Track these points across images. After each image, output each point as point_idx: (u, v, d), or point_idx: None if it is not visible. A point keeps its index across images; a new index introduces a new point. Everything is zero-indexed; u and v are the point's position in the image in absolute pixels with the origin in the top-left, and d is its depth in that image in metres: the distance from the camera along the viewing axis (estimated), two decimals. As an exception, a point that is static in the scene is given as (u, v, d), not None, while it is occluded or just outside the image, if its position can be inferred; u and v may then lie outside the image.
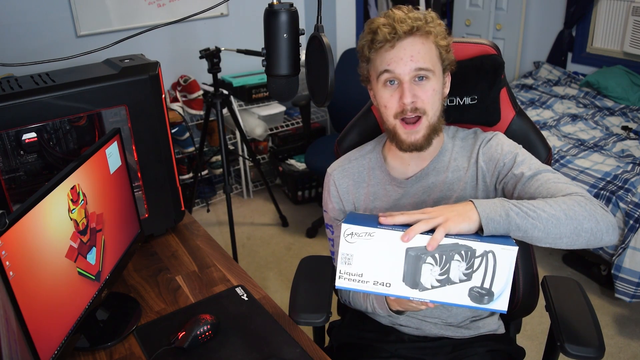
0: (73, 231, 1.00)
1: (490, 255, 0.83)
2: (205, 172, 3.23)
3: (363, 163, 1.20)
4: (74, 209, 1.01)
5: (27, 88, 1.17)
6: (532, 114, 3.00)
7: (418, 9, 1.07)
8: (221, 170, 3.17)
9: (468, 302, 0.85)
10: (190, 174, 3.11)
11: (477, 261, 0.83)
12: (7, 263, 0.80)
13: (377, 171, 1.18)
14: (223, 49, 2.45)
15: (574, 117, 2.92)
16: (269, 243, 2.90)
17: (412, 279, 0.85)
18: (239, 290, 1.24)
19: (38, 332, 0.87)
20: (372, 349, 1.20)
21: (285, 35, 0.93)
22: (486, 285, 0.84)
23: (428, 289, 0.85)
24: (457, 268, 0.84)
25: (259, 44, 1.00)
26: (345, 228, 0.85)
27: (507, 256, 0.82)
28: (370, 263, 0.86)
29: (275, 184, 3.50)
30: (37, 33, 2.65)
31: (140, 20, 2.90)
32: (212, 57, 2.41)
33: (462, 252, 0.83)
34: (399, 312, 1.08)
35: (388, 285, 0.86)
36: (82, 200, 1.04)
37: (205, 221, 3.12)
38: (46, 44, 2.68)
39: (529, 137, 1.24)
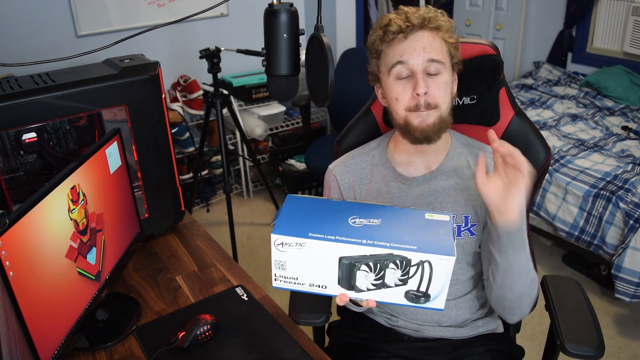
0: (73, 231, 1.00)
1: (426, 264, 0.81)
2: (205, 172, 3.23)
3: (366, 160, 1.20)
4: (74, 209, 1.01)
5: (27, 88, 1.17)
6: (532, 114, 3.00)
7: (429, 6, 1.09)
8: (221, 170, 3.16)
9: (405, 302, 0.85)
10: (190, 174, 3.11)
11: (412, 269, 0.82)
12: (7, 263, 0.80)
13: (381, 168, 1.18)
14: (223, 49, 2.45)
15: (574, 117, 2.92)
16: (269, 243, 2.88)
17: (348, 282, 0.85)
18: (239, 290, 1.24)
19: (38, 332, 0.87)
20: (371, 349, 1.20)
21: (285, 35, 0.93)
22: (422, 289, 0.84)
23: (364, 291, 0.86)
24: (393, 275, 0.83)
25: (259, 44, 1.00)
26: (275, 238, 0.84)
27: (443, 265, 0.81)
28: (304, 268, 0.85)
29: (275, 184, 3.50)
30: (37, 33, 2.65)
31: (140, 20, 2.90)
32: (212, 57, 2.42)
33: (397, 262, 0.82)
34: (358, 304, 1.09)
35: (324, 287, 0.87)
36: (82, 200, 1.04)
37: (205, 221, 3.12)
38: (46, 44, 2.68)
39: (528, 137, 1.24)
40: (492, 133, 0.92)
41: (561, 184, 2.36)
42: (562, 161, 2.45)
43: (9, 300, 0.81)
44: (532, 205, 2.44)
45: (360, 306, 1.06)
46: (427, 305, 0.85)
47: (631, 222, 2.09)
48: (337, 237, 0.82)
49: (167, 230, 1.51)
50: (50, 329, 0.93)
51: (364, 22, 3.69)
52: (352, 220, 0.87)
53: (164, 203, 1.44)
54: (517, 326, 1.39)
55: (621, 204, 2.14)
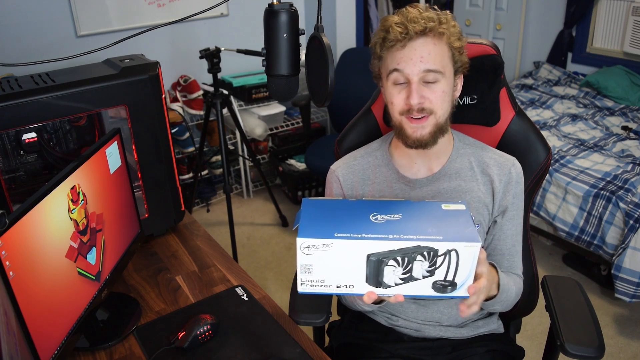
0: (73, 231, 1.00)
1: (453, 253, 0.82)
2: (205, 172, 3.23)
3: (369, 160, 1.20)
4: (74, 209, 1.01)
5: (27, 88, 1.17)
6: (532, 114, 3.00)
7: (435, 8, 1.06)
8: (221, 170, 3.17)
9: (431, 293, 0.86)
10: (190, 174, 3.11)
11: (440, 259, 0.83)
12: (7, 263, 0.80)
13: (384, 169, 1.18)
14: (223, 49, 2.45)
15: (574, 117, 2.92)
16: (269, 243, 2.90)
17: (375, 279, 0.85)
18: (239, 290, 1.24)
19: (38, 332, 0.87)
20: (371, 349, 1.19)
21: (285, 35, 0.93)
22: (449, 278, 0.84)
23: (391, 286, 0.86)
24: (420, 267, 0.83)
25: (259, 44, 1.00)
26: (301, 242, 0.82)
27: (470, 252, 0.82)
28: (331, 270, 0.85)
29: (275, 184, 3.50)
30: (37, 33, 2.65)
31: (140, 20, 2.90)
32: (212, 57, 2.42)
33: (425, 253, 0.82)
34: (377, 302, 1.09)
35: (352, 287, 0.86)
36: (82, 200, 1.04)
37: (205, 221, 3.12)
38: (46, 44, 2.68)
39: (529, 137, 1.24)
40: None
41: (561, 184, 2.36)
42: (562, 161, 2.45)
43: (9, 300, 0.81)
44: (532, 205, 2.44)
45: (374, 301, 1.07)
46: (454, 293, 0.86)
47: (631, 222, 2.09)
48: (363, 235, 0.82)
49: (167, 230, 1.51)
50: (50, 329, 0.93)
51: (364, 22, 3.69)
52: (374, 217, 0.88)
53: (164, 203, 1.44)
54: (517, 326, 1.39)
55: (621, 204, 2.14)
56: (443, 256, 0.82)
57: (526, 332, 2.12)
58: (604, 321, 2.19)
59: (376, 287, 0.86)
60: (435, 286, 0.85)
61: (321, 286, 0.86)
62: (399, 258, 0.83)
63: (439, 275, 0.84)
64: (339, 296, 1.31)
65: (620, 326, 2.17)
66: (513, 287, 1.09)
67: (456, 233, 0.84)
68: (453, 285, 0.85)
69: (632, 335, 2.12)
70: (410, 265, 0.83)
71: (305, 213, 0.89)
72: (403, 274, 0.84)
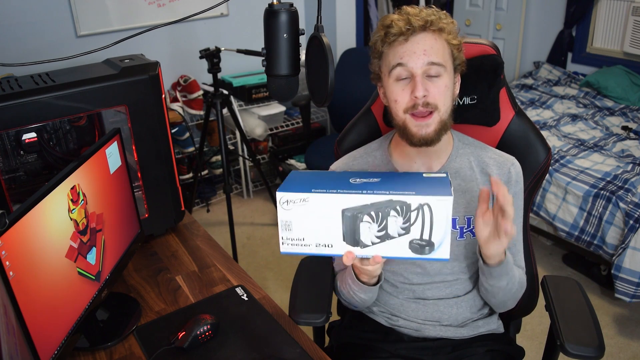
0: (73, 231, 1.00)
1: (425, 207, 0.83)
2: (205, 172, 3.23)
3: (368, 161, 1.20)
4: (74, 209, 1.01)
5: (27, 88, 1.17)
6: (532, 114, 3.00)
7: (433, 7, 1.08)
8: (221, 170, 3.17)
9: (410, 254, 0.87)
10: (190, 174, 3.11)
11: (413, 214, 0.84)
12: (7, 263, 0.80)
13: (383, 169, 1.18)
14: (223, 49, 2.45)
15: (574, 117, 2.92)
16: (269, 243, 2.90)
17: (352, 237, 0.87)
18: (239, 290, 1.24)
19: (38, 332, 0.87)
20: (371, 349, 1.20)
21: (285, 35, 0.93)
22: (425, 237, 0.85)
23: (369, 245, 0.87)
24: (395, 223, 0.85)
25: (259, 44, 1.00)
26: (280, 196, 0.86)
27: (443, 207, 0.83)
28: (309, 227, 0.87)
29: (275, 184, 3.50)
30: (37, 33, 2.65)
31: (140, 20, 2.90)
32: (212, 57, 2.42)
33: (398, 208, 0.84)
34: (370, 284, 1.10)
35: (330, 246, 0.88)
36: (82, 200, 1.04)
37: (205, 221, 3.13)
38: (46, 44, 2.68)
39: (529, 137, 1.24)
40: (494, 180, 0.91)
41: (561, 184, 2.36)
42: (562, 161, 2.45)
43: (9, 300, 0.81)
44: (532, 205, 2.44)
45: (366, 283, 1.07)
46: (432, 255, 0.86)
47: (631, 222, 2.09)
48: (338, 191, 0.85)
49: (167, 230, 1.51)
50: (50, 329, 0.93)
51: (364, 22, 3.69)
52: (353, 180, 0.91)
53: (164, 203, 1.44)
54: (517, 326, 1.39)
55: (621, 204, 2.14)
56: (416, 211, 0.83)
57: (526, 332, 2.12)
58: (604, 321, 2.19)
59: (354, 246, 0.87)
60: (413, 246, 0.86)
61: (301, 245, 0.89)
62: (372, 213, 0.84)
63: (415, 233, 0.85)
64: (338, 295, 1.31)
65: (620, 326, 2.17)
66: (515, 272, 1.10)
67: (430, 189, 0.85)
68: (430, 245, 0.86)
69: (632, 335, 2.12)
70: (385, 221, 0.85)
71: (290, 178, 0.94)
72: (379, 231, 0.85)
